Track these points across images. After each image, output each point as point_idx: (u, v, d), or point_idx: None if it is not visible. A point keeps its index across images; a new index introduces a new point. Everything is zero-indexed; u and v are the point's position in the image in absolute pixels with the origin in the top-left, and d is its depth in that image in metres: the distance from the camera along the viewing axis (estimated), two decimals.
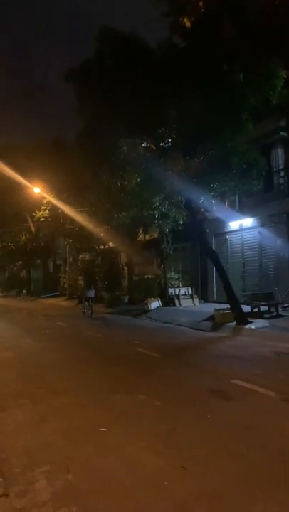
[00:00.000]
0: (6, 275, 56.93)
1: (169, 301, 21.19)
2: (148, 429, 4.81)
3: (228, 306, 14.44)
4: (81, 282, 32.45)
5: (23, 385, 7.06)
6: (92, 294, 20.96)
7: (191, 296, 21.62)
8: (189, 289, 22.13)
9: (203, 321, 15.08)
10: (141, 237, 26.48)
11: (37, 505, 3.23)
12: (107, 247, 29.00)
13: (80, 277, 32.91)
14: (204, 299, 21.99)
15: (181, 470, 3.76)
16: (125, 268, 27.71)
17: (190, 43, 13.68)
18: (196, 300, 21.48)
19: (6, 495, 3.37)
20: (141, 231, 25.63)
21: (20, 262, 50.05)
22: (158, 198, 15.93)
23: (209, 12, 9.40)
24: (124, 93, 13.74)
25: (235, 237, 21.10)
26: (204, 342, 11.92)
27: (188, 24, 8.86)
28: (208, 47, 12.39)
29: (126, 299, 25.50)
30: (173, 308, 20.36)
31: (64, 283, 36.52)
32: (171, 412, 5.38)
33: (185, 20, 8.65)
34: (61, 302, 31.72)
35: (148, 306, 20.35)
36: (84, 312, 20.78)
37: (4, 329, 15.51)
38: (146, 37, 15.60)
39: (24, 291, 45.32)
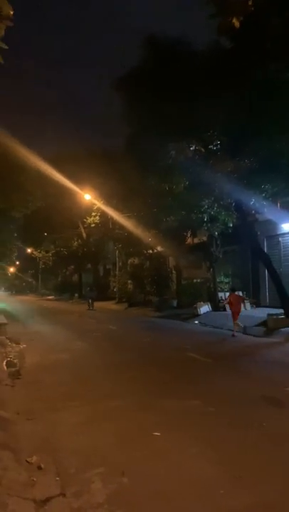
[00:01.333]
0: (59, 279, 58.91)
1: (218, 306, 20.82)
2: (200, 435, 4.75)
3: (282, 311, 13.92)
4: (130, 286, 32.85)
5: (76, 386, 7.25)
6: (92, 294, 31.33)
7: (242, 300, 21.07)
8: (240, 293, 21.59)
9: (255, 326, 14.66)
10: (189, 240, 26.32)
11: (92, 506, 3.28)
12: (155, 251, 29.13)
13: (129, 281, 33.31)
14: (256, 303, 21.34)
15: (236, 479, 3.67)
16: (173, 272, 27.65)
17: (238, 43, 13.45)
18: (248, 304, 20.91)
19: (63, 494, 3.47)
20: (189, 234, 25.47)
21: (72, 267, 51.70)
22: (207, 201, 15.79)
23: (258, 10, 9.20)
24: (171, 98, 13.80)
25: (288, 240, 20.33)
26: (257, 348, 11.59)
27: (237, 24, 8.72)
28: (257, 46, 12.12)
29: (174, 302, 25.41)
30: (223, 312, 19.94)
31: (114, 287, 37.14)
32: (223, 419, 5.27)
33: (234, 21, 8.53)
34: (111, 305, 32.24)
35: (197, 310, 20.15)
36: (89, 308, 29.11)
37: (57, 332, 16.03)
38: (193, 40, 15.59)
39: (76, 295, 46.63)
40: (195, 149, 15.40)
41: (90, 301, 29.65)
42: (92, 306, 29.23)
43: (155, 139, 14.56)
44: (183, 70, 13.79)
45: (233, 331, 13.86)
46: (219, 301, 21.13)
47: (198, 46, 15.03)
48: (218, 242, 21.61)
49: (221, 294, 21.67)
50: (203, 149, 15.22)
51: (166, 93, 13.99)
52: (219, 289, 22.48)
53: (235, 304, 14.12)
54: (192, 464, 4.00)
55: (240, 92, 12.20)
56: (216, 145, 15.18)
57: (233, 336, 13.54)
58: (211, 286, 22.31)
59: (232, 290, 15.52)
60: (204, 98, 12.96)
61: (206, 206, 16.10)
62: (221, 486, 3.56)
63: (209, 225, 18.91)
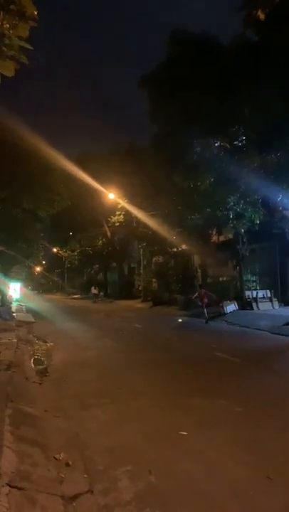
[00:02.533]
0: (85, 278, 59.52)
1: (245, 304, 20.48)
2: (230, 435, 4.65)
3: None
4: (155, 285, 32.80)
5: (103, 384, 7.26)
6: (95, 291, 39.90)
7: (270, 299, 20.67)
8: (268, 291, 21.19)
9: (284, 325, 14.31)
10: (214, 238, 26.02)
11: (120, 504, 3.26)
12: (180, 249, 28.96)
13: (153, 280, 33.27)
14: (284, 302, 20.85)
15: (267, 480, 3.57)
16: (199, 270, 27.41)
17: (264, 36, 13.17)
18: (276, 303, 20.49)
19: (91, 491, 3.45)
20: (214, 232, 25.17)
21: (97, 266, 52.12)
22: (233, 198, 15.54)
23: (283, 2, 8.95)
24: (196, 94, 13.65)
25: None
26: (286, 348, 11.30)
27: (262, 16, 8.53)
28: (284, 38, 11.82)
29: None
30: (250, 311, 19.64)
31: (138, 285, 37.19)
32: (253, 420, 5.15)
33: (259, 13, 8.34)
34: (136, 304, 32.31)
35: (224, 309, 19.88)
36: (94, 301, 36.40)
37: (85, 330, 16.17)
38: (218, 34, 15.37)
39: (101, 294, 47.02)
40: (220, 145, 15.18)
41: (95, 297, 39.16)
42: (96, 300, 38.30)
43: (180, 136, 14.45)
44: (209, 64, 13.61)
45: (206, 318, 17.64)
46: (246, 299, 20.79)
47: (223, 41, 14.83)
48: (245, 240, 21.22)
49: (248, 293, 21.30)
50: (228, 145, 14.98)
51: (192, 89, 13.85)
52: (246, 287, 22.11)
53: (203, 298, 18.17)
54: (223, 465, 3.92)
55: (270, 85, 11.93)
56: (242, 140, 14.91)
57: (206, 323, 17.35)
58: (238, 284, 21.97)
59: (200, 287, 20.32)
60: (231, 93, 12.76)
61: (232, 203, 15.85)
62: (251, 487, 3.47)
63: (235, 222, 18.59)
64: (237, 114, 13.60)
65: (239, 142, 15.22)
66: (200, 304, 18.39)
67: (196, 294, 19.10)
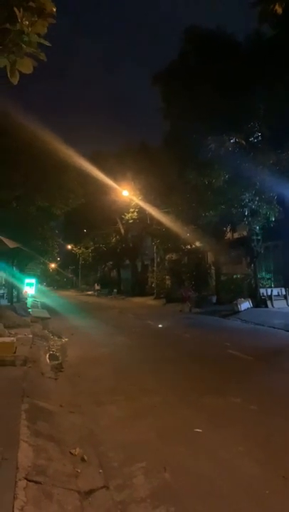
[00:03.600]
0: (98, 275, 59.85)
1: (260, 302, 20.28)
2: (244, 434, 4.63)
3: None
4: (168, 282, 32.75)
5: (116, 381, 7.31)
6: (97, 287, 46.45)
7: (285, 296, 20.42)
8: (283, 289, 20.93)
9: None
10: (229, 235, 25.81)
11: (135, 500, 3.28)
12: (193, 246, 28.84)
13: (167, 277, 33.21)
14: None
15: (282, 480, 3.55)
16: (212, 267, 27.25)
17: (281, 31, 12.97)
18: None
19: (106, 487, 3.49)
20: (229, 229, 24.96)
21: (110, 263, 52.32)
22: (247, 195, 15.39)
23: None
24: (210, 90, 13.54)
25: None
26: None
27: (279, 10, 8.42)
28: None
29: (213, 299, 25.04)
30: (265, 309, 19.45)
31: (152, 283, 37.21)
32: (268, 418, 5.12)
33: (276, 7, 8.23)
34: (149, 301, 32.34)
35: (237, 307, 19.73)
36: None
37: (98, 327, 16.27)
38: (232, 30, 15.21)
39: (115, 290, 47.20)
40: (235, 142, 15.02)
41: (96, 292, 45.56)
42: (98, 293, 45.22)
43: (194, 133, 14.36)
44: (223, 60, 13.48)
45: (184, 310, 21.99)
46: (261, 297, 20.59)
47: (237, 37, 14.67)
48: (260, 237, 20.99)
49: (262, 291, 21.10)
50: (243, 141, 14.83)
51: (206, 85, 13.75)
52: (260, 285, 21.90)
53: (186, 293, 23.77)
54: (237, 464, 3.91)
55: (286, 81, 11.76)
56: (257, 137, 14.74)
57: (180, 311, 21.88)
58: (252, 282, 21.76)
59: (183, 284, 26.24)
60: (245, 88, 12.63)
61: (247, 200, 15.70)
62: (266, 486, 3.46)
63: (250, 219, 18.42)
64: (252, 111, 13.44)
65: (254, 139, 15.06)
66: (183, 296, 23.82)
67: (183, 291, 24.82)
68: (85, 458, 3.99)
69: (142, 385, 6.95)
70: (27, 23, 3.13)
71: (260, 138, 14.78)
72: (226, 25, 15.04)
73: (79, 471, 3.73)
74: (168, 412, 5.47)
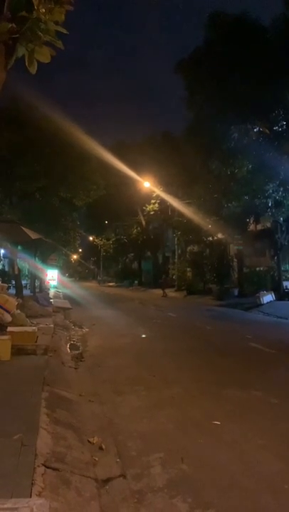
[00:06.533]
0: (119, 266, 60.13)
1: (283, 295, 19.95)
2: (265, 427, 4.56)
3: None
4: (189, 274, 32.57)
5: (137, 371, 7.32)
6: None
7: None
8: None
9: None
10: (252, 227, 25.38)
11: (153, 489, 3.27)
12: (215, 238, 28.52)
13: (188, 269, 33.03)
14: None
15: None
16: (234, 260, 26.91)
17: None
18: None
19: (124, 476, 3.50)
20: (252, 221, 24.53)
21: (132, 254, 52.44)
22: (271, 185, 15.04)
23: None
24: (235, 78, 13.21)
25: None
26: None
27: None
28: None
29: (236, 291, 24.78)
30: (288, 302, 19.12)
31: (173, 274, 37.10)
32: (288, 412, 5.02)
33: None
34: (170, 293, 32.26)
35: (260, 300, 19.47)
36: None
37: (119, 317, 16.36)
38: (258, 15, 14.74)
39: (136, 282, 47.34)
40: (259, 131, 14.66)
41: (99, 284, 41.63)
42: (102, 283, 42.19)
43: (217, 122, 14.09)
44: (249, 46, 13.11)
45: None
46: (284, 290, 20.23)
47: (262, 22, 14.23)
48: (284, 229, 20.56)
49: (286, 283, 20.72)
50: (268, 130, 14.45)
51: (230, 72, 13.43)
52: (284, 277, 21.49)
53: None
54: (257, 457, 3.85)
55: None
56: (282, 126, 14.34)
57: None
58: (276, 274, 21.39)
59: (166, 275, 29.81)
60: (272, 76, 12.27)
61: (271, 190, 15.35)
62: (287, 481, 3.38)
63: (274, 210, 18.02)
64: (278, 98, 13.05)
65: (279, 127, 14.65)
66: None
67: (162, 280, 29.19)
68: (103, 447, 4.01)
69: (163, 375, 6.94)
70: (44, 10, 3.09)
71: (285, 127, 14.36)
72: (249, 9, 14.49)
73: (97, 459, 3.75)
74: (187, 403, 5.44)
